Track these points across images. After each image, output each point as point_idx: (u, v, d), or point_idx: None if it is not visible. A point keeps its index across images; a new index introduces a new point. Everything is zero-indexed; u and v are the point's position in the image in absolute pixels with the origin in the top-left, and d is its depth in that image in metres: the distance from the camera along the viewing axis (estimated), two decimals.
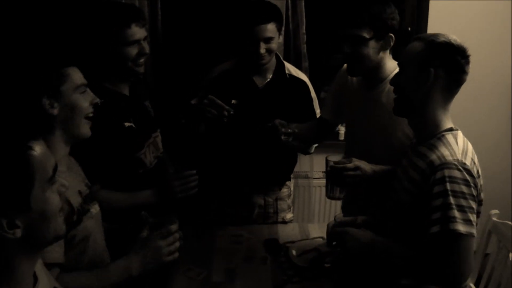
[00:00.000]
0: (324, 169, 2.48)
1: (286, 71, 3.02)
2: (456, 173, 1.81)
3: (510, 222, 2.64)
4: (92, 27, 2.51)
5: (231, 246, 2.78)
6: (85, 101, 1.96)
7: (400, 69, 2.07)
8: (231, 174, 3.07)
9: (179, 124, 2.96)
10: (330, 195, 2.49)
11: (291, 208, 3.33)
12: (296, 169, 3.38)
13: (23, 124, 1.38)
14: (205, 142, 3.04)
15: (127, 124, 2.52)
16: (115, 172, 2.38)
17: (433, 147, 1.93)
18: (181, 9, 3.78)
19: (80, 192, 1.99)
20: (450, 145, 1.90)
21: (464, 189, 1.80)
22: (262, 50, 2.78)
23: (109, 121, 2.36)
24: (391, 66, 2.44)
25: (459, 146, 1.90)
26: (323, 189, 3.98)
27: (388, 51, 2.43)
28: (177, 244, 1.99)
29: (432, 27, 3.76)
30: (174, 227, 2.00)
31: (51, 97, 1.85)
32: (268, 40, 2.78)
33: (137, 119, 2.57)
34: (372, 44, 2.34)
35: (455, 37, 1.95)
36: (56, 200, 1.33)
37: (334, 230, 2.25)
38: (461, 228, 1.77)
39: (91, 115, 2.00)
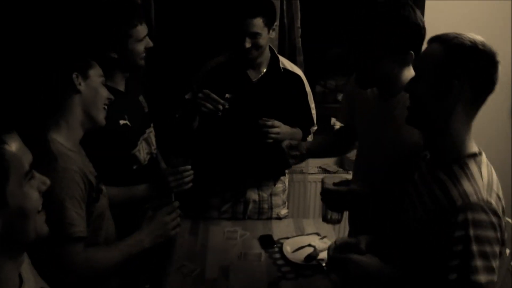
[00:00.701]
0: (319, 165, 2.48)
1: (281, 65, 3.01)
2: (482, 216, 1.57)
3: (509, 220, 2.63)
4: (100, 26, 2.52)
5: (225, 242, 2.78)
6: (104, 92, 2.19)
7: (416, 75, 1.80)
8: (225, 169, 3.07)
9: (173, 119, 2.96)
10: (324, 218, 2.41)
11: (286, 203, 3.33)
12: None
13: None
14: (199, 136, 3.03)
15: (122, 122, 2.55)
16: (110, 169, 2.39)
17: (454, 179, 1.66)
18: (174, 3, 3.77)
19: (91, 172, 2.12)
20: (474, 178, 1.64)
21: (490, 233, 1.58)
22: (248, 45, 2.77)
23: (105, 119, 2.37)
24: (408, 77, 2.08)
25: (484, 179, 1.65)
26: (319, 185, 4.00)
27: (406, 67, 2.15)
28: (179, 219, 2.28)
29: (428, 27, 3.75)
30: (176, 203, 2.31)
31: (79, 75, 2.08)
32: (254, 35, 2.76)
33: (132, 116, 2.60)
34: (388, 61, 2.10)
35: (481, 38, 1.68)
36: (35, 196, 1.31)
37: (335, 256, 2.01)
38: (483, 278, 1.57)
39: (106, 106, 2.21)
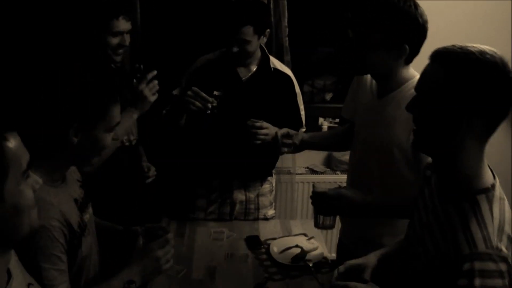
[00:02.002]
0: (306, 165, 2.50)
1: (271, 65, 3.02)
2: (489, 266, 1.45)
3: None
4: (81, 14, 2.63)
5: (212, 243, 2.79)
6: (109, 140, 1.91)
7: (419, 96, 1.61)
8: (212, 168, 3.07)
9: (160, 115, 2.98)
10: (316, 224, 2.41)
11: (273, 204, 3.33)
12: (278, 164, 3.38)
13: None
14: (186, 134, 3.04)
15: None
16: None
17: (463, 220, 1.52)
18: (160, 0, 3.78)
19: (76, 201, 1.94)
20: (484, 222, 1.49)
21: (497, 282, 1.45)
22: (235, 49, 2.79)
23: None
24: (405, 76, 2.23)
25: (495, 221, 1.50)
26: (306, 185, 4.02)
27: (402, 62, 2.20)
28: (172, 251, 2.05)
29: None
30: (170, 236, 2.08)
31: (80, 128, 1.78)
32: (243, 42, 2.78)
33: None
34: (381, 52, 2.15)
35: (493, 49, 1.48)
36: (30, 195, 1.32)
37: (335, 285, 1.92)
38: None
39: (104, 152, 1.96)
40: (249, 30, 2.75)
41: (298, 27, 3.97)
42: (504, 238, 1.50)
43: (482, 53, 1.46)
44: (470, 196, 1.54)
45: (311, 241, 2.76)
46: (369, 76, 2.44)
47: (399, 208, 2.14)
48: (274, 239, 2.80)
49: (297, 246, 2.70)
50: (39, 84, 1.79)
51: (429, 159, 1.85)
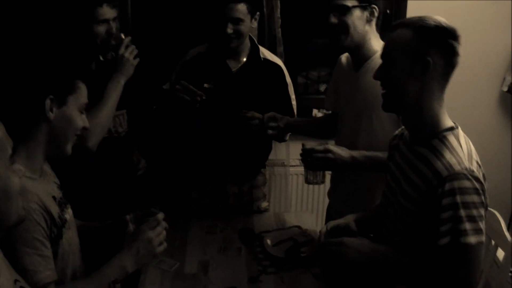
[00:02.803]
0: (300, 157, 2.51)
1: (261, 55, 3.00)
2: (466, 183, 1.74)
3: (493, 210, 2.65)
4: (65, 3, 2.63)
5: (205, 237, 2.79)
6: (81, 121, 1.93)
7: (386, 62, 1.93)
8: (204, 161, 3.06)
9: (151, 111, 2.98)
10: (306, 179, 2.55)
11: (267, 196, 3.32)
12: (272, 157, 3.38)
13: None
14: (178, 128, 3.03)
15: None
16: None
17: (436, 152, 1.83)
18: None
19: (54, 198, 1.92)
20: (454, 149, 1.81)
21: (475, 198, 1.75)
22: (229, 31, 2.75)
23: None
24: (377, 45, 2.47)
25: (464, 150, 1.82)
26: (300, 177, 4.01)
27: (373, 26, 2.47)
28: (164, 233, 2.03)
29: (412, 9, 3.77)
30: (161, 216, 2.05)
31: (55, 100, 1.82)
32: (237, 21, 2.75)
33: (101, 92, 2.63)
34: (357, 13, 2.40)
35: (442, 18, 1.86)
36: (17, 179, 1.33)
37: (327, 242, 2.11)
38: (472, 240, 1.73)
39: (76, 137, 1.95)
40: (243, 8, 2.74)
41: (291, 18, 3.95)
42: (474, 163, 1.81)
43: (433, 17, 1.85)
44: (438, 134, 1.86)
45: (305, 233, 2.76)
46: (344, 58, 2.73)
47: (383, 159, 2.28)
48: (268, 232, 2.80)
49: (291, 238, 2.70)
50: (15, 58, 1.95)
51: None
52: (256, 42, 3.05)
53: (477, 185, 1.76)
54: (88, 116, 2.02)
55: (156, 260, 2.50)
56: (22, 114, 1.79)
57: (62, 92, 1.84)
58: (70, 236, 1.98)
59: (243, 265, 2.54)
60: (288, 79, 3.09)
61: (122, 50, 2.63)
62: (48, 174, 1.99)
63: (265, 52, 3.05)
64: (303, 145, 2.47)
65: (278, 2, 3.72)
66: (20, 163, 1.75)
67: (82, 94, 1.92)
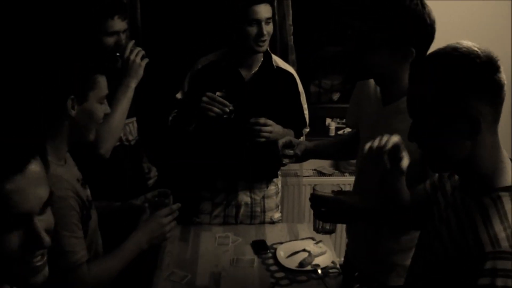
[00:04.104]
0: (314, 167, 2.48)
1: (274, 63, 3.01)
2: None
3: None
4: (75, 16, 2.66)
5: (217, 248, 2.78)
6: (101, 111, 2.09)
7: (418, 124, 1.59)
8: (216, 170, 3.06)
9: (167, 121, 2.99)
10: (314, 228, 2.33)
11: (279, 207, 3.32)
12: (285, 167, 3.37)
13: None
14: (193, 137, 3.04)
15: None
16: None
17: (485, 216, 1.50)
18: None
19: (78, 180, 2.07)
20: (507, 219, 1.47)
21: None
22: (265, 31, 2.77)
23: None
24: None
25: None
26: None
27: (407, 65, 1.96)
28: (175, 222, 2.28)
29: None
30: (175, 206, 2.31)
31: (76, 99, 1.96)
32: (268, 21, 2.79)
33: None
34: (385, 52, 2.07)
35: (468, 43, 1.51)
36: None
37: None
38: None
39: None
40: (269, 8, 2.79)
41: (303, 26, 3.96)
42: None
43: (465, 55, 1.48)
44: (492, 193, 1.52)
45: (319, 245, 2.75)
46: (372, 81, 2.34)
47: (397, 218, 2.08)
48: (281, 243, 2.79)
49: (304, 250, 2.69)
50: (35, 62, 2.03)
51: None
52: (269, 50, 3.05)
53: None
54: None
55: (167, 272, 2.51)
56: (46, 114, 1.95)
57: (82, 90, 1.99)
58: (96, 218, 2.16)
59: (255, 277, 2.53)
60: (300, 87, 3.09)
61: (127, 53, 2.65)
62: (68, 157, 2.12)
63: (278, 61, 3.06)
64: (313, 189, 2.25)
65: (290, 9, 3.72)
66: (50, 155, 1.84)
67: (101, 87, 2.07)
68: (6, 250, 1.10)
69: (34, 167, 1.14)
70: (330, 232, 2.31)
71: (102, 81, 2.07)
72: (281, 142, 2.65)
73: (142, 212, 2.37)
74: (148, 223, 2.23)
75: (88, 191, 2.14)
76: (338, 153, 2.86)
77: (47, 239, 1.14)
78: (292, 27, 3.75)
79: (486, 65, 1.46)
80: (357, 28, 2.12)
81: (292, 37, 3.76)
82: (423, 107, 1.53)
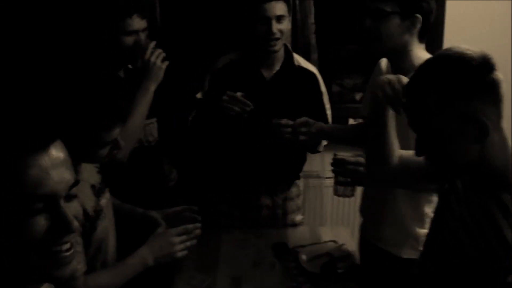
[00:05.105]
0: None
1: (295, 62, 3.00)
2: None
3: None
4: (94, 15, 2.67)
5: (238, 251, 2.78)
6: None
7: (420, 135, 1.62)
8: (236, 172, 3.06)
9: (187, 121, 2.99)
10: (334, 191, 2.56)
11: (301, 209, 3.31)
12: (307, 168, 3.36)
13: None
14: (212, 138, 3.04)
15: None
16: None
17: (507, 213, 1.48)
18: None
19: (93, 187, 2.05)
20: None
21: None
22: (275, 30, 2.76)
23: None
24: (420, 56, 2.23)
25: None
26: None
27: (415, 37, 2.28)
28: (188, 243, 2.21)
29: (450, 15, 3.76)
30: (190, 226, 2.24)
31: None
32: (280, 18, 2.76)
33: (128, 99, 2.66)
34: (395, 21, 2.23)
35: (462, 48, 1.54)
36: None
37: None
38: None
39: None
40: (283, 6, 2.77)
41: (325, 24, 3.95)
42: None
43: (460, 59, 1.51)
44: (509, 187, 1.51)
45: (342, 248, 2.73)
46: (383, 64, 2.52)
47: (417, 177, 2.06)
48: (303, 246, 2.78)
49: (327, 253, 2.68)
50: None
51: None
52: (290, 49, 3.04)
53: None
54: None
55: (187, 275, 2.51)
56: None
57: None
58: (105, 226, 2.11)
59: (277, 281, 2.52)
60: (323, 87, 3.08)
61: (147, 55, 2.63)
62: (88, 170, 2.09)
63: (299, 60, 3.05)
64: (335, 154, 2.46)
65: (312, 7, 3.72)
66: None
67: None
68: (32, 235, 1.07)
69: (58, 149, 1.13)
70: (350, 195, 2.55)
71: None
72: (297, 121, 2.74)
73: (157, 225, 2.33)
74: (157, 239, 2.17)
75: (103, 200, 2.12)
76: (354, 139, 2.87)
77: (75, 223, 1.12)
78: (314, 26, 3.75)
79: (483, 66, 1.48)
80: (370, 5, 2.26)
81: (314, 35, 3.75)
82: (427, 119, 1.54)
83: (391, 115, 2.00)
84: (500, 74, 1.50)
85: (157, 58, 2.65)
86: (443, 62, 1.54)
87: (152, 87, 2.63)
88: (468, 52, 1.50)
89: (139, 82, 2.63)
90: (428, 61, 1.62)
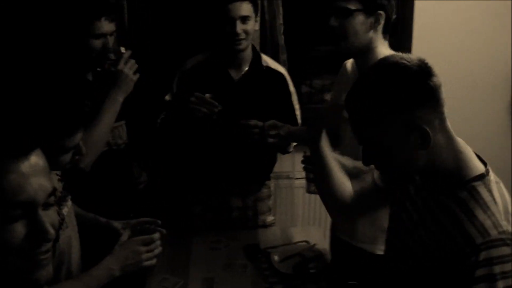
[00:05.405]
0: None
1: (263, 63, 3.02)
2: (505, 250, 1.47)
3: None
4: (62, 17, 2.63)
5: (209, 253, 2.78)
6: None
7: (367, 147, 1.63)
8: (206, 174, 3.07)
9: (156, 124, 2.98)
10: (307, 189, 2.59)
11: (272, 210, 3.32)
12: (277, 169, 3.37)
13: None
14: (181, 140, 3.04)
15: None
16: None
17: (467, 210, 1.51)
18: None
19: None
20: (488, 208, 1.50)
21: None
22: (239, 30, 2.77)
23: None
24: (384, 53, 2.28)
25: (499, 204, 1.52)
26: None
27: (379, 33, 2.37)
28: (157, 251, 2.16)
29: (427, 27, 3.80)
30: (156, 236, 2.18)
31: None
32: (244, 19, 2.78)
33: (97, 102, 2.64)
34: (360, 18, 2.30)
35: (399, 56, 1.55)
36: None
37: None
38: None
39: None
40: (248, 6, 2.79)
41: (294, 25, 3.96)
42: (511, 220, 1.52)
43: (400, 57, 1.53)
44: (465, 184, 1.54)
45: (313, 248, 2.75)
46: (349, 65, 2.63)
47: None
48: (275, 247, 2.79)
49: (298, 254, 2.69)
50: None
51: None
52: (258, 50, 3.05)
53: None
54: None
55: (159, 278, 2.51)
56: None
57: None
58: (67, 235, 2.05)
59: (249, 282, 2.53)
60: (292, 87, 3.10)
61: (121, 65, 2.61)
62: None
63: (267, 60, 3.06)
64: (304, 152, 2.47)
65: (280, 8, 3.73)
66: None
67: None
68: (10, 241, 1.08)
69: (38, 157, 1.13)
70: None
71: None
72: (266, 124, 2.70)
73: (118, 236, 2.26)
74: (122, 249, 2.11)
75: (64, 208, 2.06)
76: None
77: (52, 231, 1.12)
78: (282, 26, 3.76)
79: (420, 73, 1.49)
80: (335, 4, 2.33)
81: (282, 36, 3.76)
82: (369, 131, 1.55)
83: (330, 153, 2.08)
84: (439, 79, 1.50)
85: (130, 69, 2.63)
86: (381, 73, 1.54)
87: (121, 98, 2.61)
88: (403, 61, 1.51)
89: (108, 90, 2.60)
90: (365, 73, 1.63)
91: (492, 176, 1.58)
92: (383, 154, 1.57)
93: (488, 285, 1.46)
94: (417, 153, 1.52)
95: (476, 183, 1.54)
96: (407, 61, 1.50)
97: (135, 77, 2.65)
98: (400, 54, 1.56)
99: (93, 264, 2.04)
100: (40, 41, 2.94)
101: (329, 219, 4.07)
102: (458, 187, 1.55)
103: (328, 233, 3.85)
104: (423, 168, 1.56)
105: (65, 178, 2.11)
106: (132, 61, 2.65)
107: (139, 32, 3.72)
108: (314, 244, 2.79)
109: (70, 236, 2.08)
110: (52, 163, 1.89)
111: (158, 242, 2.17)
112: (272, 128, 2.72)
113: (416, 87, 1.48)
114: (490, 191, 1.54)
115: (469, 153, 1.59)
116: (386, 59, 1.57)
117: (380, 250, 2.40)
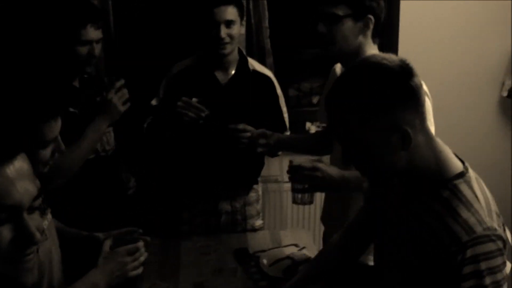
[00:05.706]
0: None
1: (250, 67, 3.03)
2: (490, 246, 1.49)
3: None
4: (48, 23, 2.65)
5: (199, 258, 2.77)
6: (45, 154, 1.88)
7: (347, 148, 1.63)
8: (194, 178, 3.07)
9: (143, 128, 2.98)
10: (293, 199, 2.52)
11: (261, 214, 3.33)
12: (265, 173, 3.38)
13: None
14: (169, 145, 3.04)
15: (71, 109, 2.60)
16: None
17: (450, 209, 1.53)
18: (134, 5, 3.78)
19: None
20: (471, 205, 1.53)
21: (499, 260, 1.51)
22: (223, 34, 2.78)
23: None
24: None
25: (481, 201, 1.55)
26: None
27: (369, 37, 2.34)
28: (142, 259, 2.10)
29: (427, 28, 3.83)
30: (140, 244, 2.12)
31: None
32: (229, 23, 2.79)
33: (83, 107, 2.66)
34: (349, 24, 2.27)
35: (380, 56, 1.56)
36: None
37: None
38: None
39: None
40: (233, 10, 2.80)
41: (280, 28, 3.98)
42: (494, 216, 1.55)
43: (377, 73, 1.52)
44: (447, 183, 1.56)
45: (303, 251, 2.75)
46: (338, 69, 2.62)
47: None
48: (264, 251, 2.79)
49: (288, 257, 2.69)
50: None
51: None
52: (245, 53, 3.06)
53: (501, 245, 1.51)
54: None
55: (148, 283, 2.50)
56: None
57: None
58: (47, 247, 1.98)
59: (239, 287, 2.53)
60: (279, 91, 3.11)
61: (111, 94, 2.61)
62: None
63: (254, 64, 3.07)
64: (290, 161, 2.43)
65: (266, 11, 3.74)
66: None
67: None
68: None
69: (22, 161, 1.14)
70: (309, 202, 2.50)
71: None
72: (255, 133, 2.76)
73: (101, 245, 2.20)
74: (107, 262, 2.04)
75: (46, 218, 2.01)
76: (313, 147, 2.95)
77: (37, 235, 1.13)
78: (268, 30, 3.77)
79: (401, 73, 1.49)
80: (323, 9, 2.30)
81: (268, 40, 3.78)
82: (350, 132, 1.55)
83: None
84: (419, 79, 1.51)
85: (120, 99, 2.63)
86: (362, 74, 1.54)
87: (104, 126, 2.63)
88: (384, 62, 1.51)
89: (94, 114, 2.60)
90: (346, 73, 1.63)
91: (471, 172, 1.60)
92: (363, 154, 1.58)
93: (476, 282, 1.49)
94: (398, 153, 1.53)
95: (457, 181, 1.56)
96: (388, 62, 1.51)
97: (123, 108, 2.66)
98: (381, 54, 1.58)
99: (76, 278, 1.97)
100: (26, 47, 2.94)
101: (318, 222, 4.10)
102: (440, 186, 1.57)
103: (317, 236, 3.88)
104: (403, 168, 1.57)
105: (44, 191, 2.07)
106: (125, 90, 2.66)
107: (125, 38, 3.73)
108: (303, 247, 2.79)
109: (50, 249, 2.02)
110: (33, 161, 1.89)
111: (143, 250, 2.12)
112: (262, 137, 2.75)
113: (398, 88, 1.48)
114: (471, 188, 1.56)
115: (448, 152, 1.62)
116: (367, 59, 1.59)
117: (371, 260, 2.40)
